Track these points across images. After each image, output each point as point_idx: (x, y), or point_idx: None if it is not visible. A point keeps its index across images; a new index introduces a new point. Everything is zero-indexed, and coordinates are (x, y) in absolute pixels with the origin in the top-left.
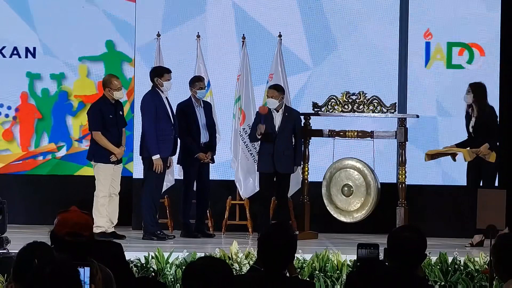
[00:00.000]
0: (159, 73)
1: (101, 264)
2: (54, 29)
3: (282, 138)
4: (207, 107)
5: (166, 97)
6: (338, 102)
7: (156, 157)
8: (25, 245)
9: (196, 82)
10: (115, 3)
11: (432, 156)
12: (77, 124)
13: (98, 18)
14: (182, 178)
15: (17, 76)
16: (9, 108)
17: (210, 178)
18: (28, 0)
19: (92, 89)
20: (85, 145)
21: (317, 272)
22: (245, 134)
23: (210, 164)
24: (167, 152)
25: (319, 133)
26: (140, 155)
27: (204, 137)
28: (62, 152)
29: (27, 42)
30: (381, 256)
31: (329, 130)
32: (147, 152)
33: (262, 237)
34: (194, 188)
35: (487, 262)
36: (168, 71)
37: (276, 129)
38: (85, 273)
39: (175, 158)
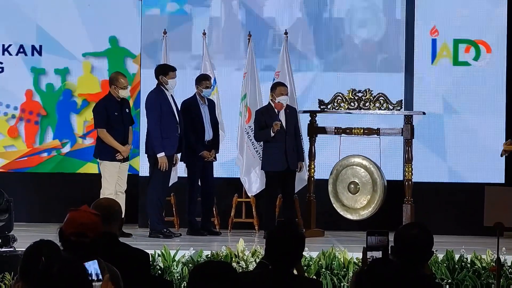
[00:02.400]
0: (164, 71)
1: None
2: (58, 25)
3: (290, 135)
4: (211, 105)
5: (171, 95)
6: (344, 100)
7: (160, 155)
8: (31, 244)
9: (203, 80)
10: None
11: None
12: (81, 121)
13: (102, 14)
14: (186, 175)
15: (23, 73)
16: (15, 108)
17: (216, 176)
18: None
19: (96, 86)
20: (89, 142)
21: (323, 269)
22: (251, 131)
23: (213, 161)
24: (172, 150)
25: (325, 130)
26: (145, 152)
27: (208, 135)
28: (66, 148)
29: (32, 40)
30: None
31: (335, 127)
32: (152, 150)
33: (270, 235)
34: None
35: (494, 259)
36: (173, 69)
37: (284, 127)
38: (100, 264)
39: (179, 155)
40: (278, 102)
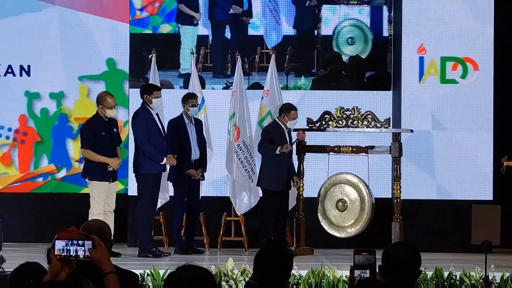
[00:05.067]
0: (148, 90)
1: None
2: (54, 48)
3: (291, 154)
4: (198, 124)
5: (157, 114)
6: (332, 118)
7: (164, 160)
8: (18, 266)
9: (189, 99)
10: (114, 21)
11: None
12: (77, 146)
13: (98, 36)
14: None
15: (15, 97)
16: (9, 129)
17: (205, 195)
18: (27, 18)
19: (93, 110)
20: None
21: None
22: (240, 150)
23: (201, 180)
24: (160, 168)
25: (313, 148)
26: (133, 172)
27: (195, 154)
28: (62, 173)
29: (22, 60)
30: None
31: (323, 145)
32: (142, 168)
33: (258, 255)
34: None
35: (482, 276)
36: (157, 88)
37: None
38: (88, 287)
39: (165, 174)
40: (300, 132)
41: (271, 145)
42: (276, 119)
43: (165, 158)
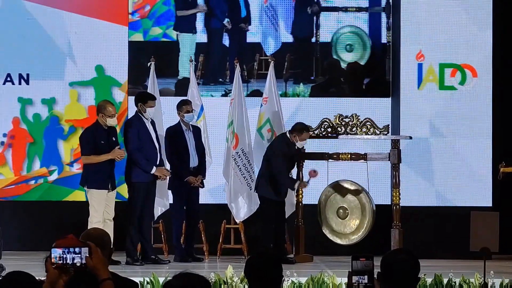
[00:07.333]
0: (143, 99)
1: None
2: (44, 55)
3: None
4: (196, 132)
5: (152, 122)
6: (331, 125)
7: (154, 170)
8: (2, 277)
9: (183, 105)
10: (106, 25)
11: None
12: (68, 148)
13: (88, 43)
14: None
15: (10, 102)
16: (4, 133)
17: (204, 202)
18: (19, 26)
19: (83, 113)
20: (76, 169)
21: None
22: (239, 157)
23: (200, 188)
24: (151, 176)
25: (312, 156)
26: (125, 180)
27: (193, 161)
28: (54, 176)
29: (20, 69)
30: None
31: (322, 153)
32: (133, 176)
33: (247, 264)
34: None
35: (482, 283)
36: (152, 97)
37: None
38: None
39: (165, 182)
40: (311, 171)
41: (291, 179)
42: (287, 134)
43: (154, 168)
